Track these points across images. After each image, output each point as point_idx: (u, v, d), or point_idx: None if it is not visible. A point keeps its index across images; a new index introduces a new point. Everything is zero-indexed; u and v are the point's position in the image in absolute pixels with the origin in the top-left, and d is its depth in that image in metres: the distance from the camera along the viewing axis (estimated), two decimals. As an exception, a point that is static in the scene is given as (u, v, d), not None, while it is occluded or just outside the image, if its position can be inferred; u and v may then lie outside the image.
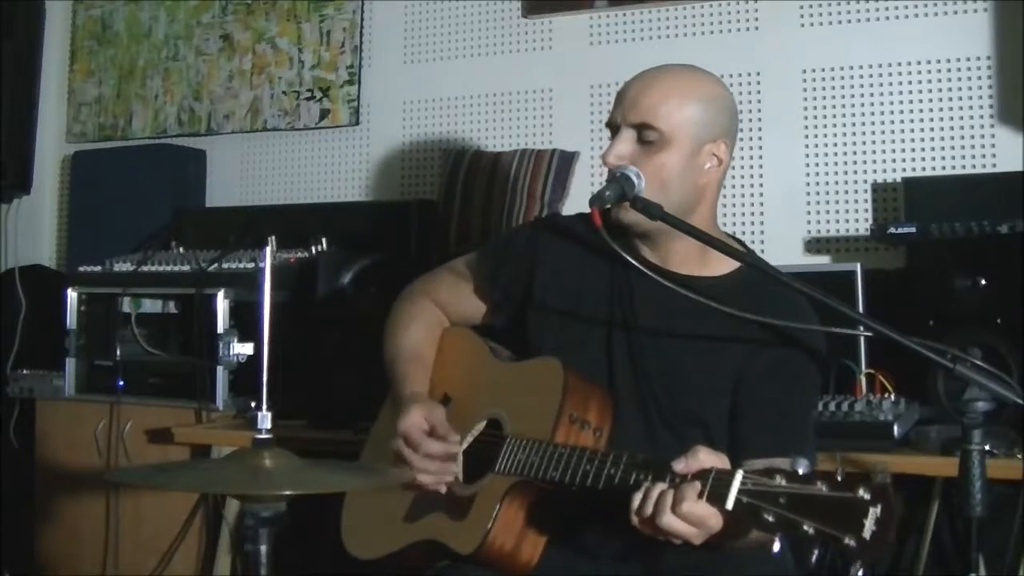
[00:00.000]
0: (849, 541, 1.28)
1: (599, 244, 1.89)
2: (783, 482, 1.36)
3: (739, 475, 1.40)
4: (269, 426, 1.55)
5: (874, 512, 1.28)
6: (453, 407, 1.94)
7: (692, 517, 1.42)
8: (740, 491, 1.39)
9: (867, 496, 1.29)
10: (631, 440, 1.77)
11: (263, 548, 1.48)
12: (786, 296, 1.77)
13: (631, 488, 1.52)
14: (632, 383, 1.83)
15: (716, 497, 1.41)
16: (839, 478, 1.33)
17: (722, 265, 1.84)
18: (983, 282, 2.39)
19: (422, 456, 1.81)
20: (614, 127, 1.84)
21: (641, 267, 1.75)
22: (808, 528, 1.31)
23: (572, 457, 1.65)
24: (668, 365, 1.81)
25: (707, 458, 1.46)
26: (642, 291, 1.84)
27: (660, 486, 1.46)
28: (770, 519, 1.35)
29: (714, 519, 1.42)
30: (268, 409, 1.55)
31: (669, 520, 1.43)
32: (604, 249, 1.88)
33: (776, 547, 1.35)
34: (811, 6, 3.03)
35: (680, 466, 1.46)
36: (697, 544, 1.45)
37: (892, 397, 2.31)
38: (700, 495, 1.41)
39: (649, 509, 1.45)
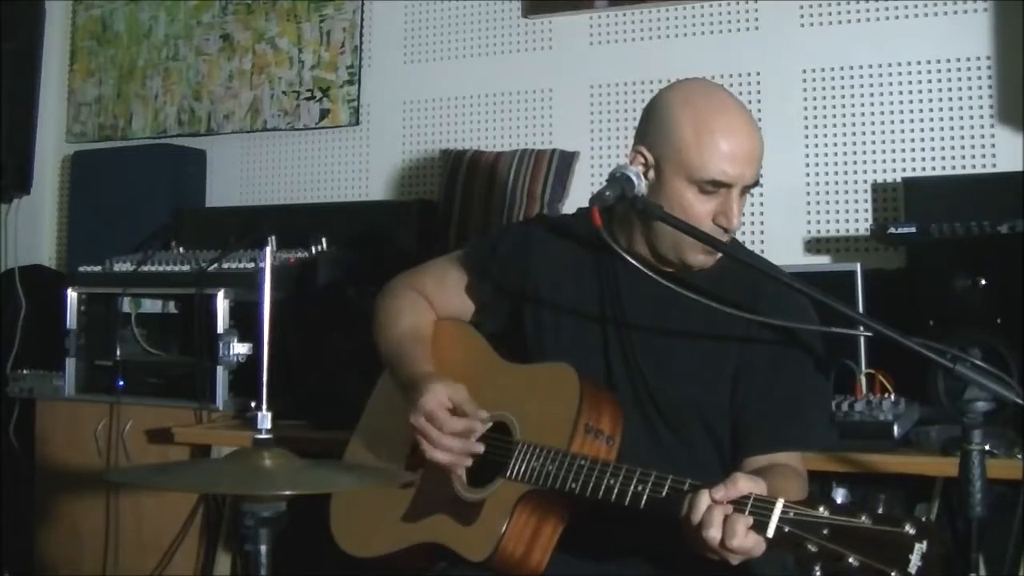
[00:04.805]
0: None
1: (587, 242, 1.89)
2: (826, 512, 1.36)
3: (780, 504, 1.40)
4: (269, 426, 1.55)
5: (920, 548, 1.29)
6: None
7: (741, 550, 1.42)
8: (782, 519, 1.39)
9: (913, 531, 1.30)
10: (635, 440, 1.76)
11: (263, 548, 1.48)
12: (763, 281, 1.78)
13: (662, 508, 1.53)
14: (628, 381, 1.82)
15: (756, 525, 1.41)
16: (880, 510, 1.33)
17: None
18: (983, 282, 2.39)
19: (445, 434, 1.77)
20: (727, 186, 1.72)
21: (641, 267, 1.74)
22: (853, 561, 1.31)
23: (594, 470, 1.64)
24: (661, 360, 1.81)
25: (746, 485, 1.45)
26: (630, 288, 1.84)
27: (718, 512, 1.43)
28: (813, 549, 1.34)
29: (759, 549, 1.42)
30: (268, 409, 1.56)
31: (715, 547, 1.43)
32: (591, 247, 1.88)
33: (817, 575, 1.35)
34: (811, 6, 3.03)
35: (719, 494, 1.44)
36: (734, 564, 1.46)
37: (892, 397, 2.30)
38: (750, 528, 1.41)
39: (713, 536, 1.43)
